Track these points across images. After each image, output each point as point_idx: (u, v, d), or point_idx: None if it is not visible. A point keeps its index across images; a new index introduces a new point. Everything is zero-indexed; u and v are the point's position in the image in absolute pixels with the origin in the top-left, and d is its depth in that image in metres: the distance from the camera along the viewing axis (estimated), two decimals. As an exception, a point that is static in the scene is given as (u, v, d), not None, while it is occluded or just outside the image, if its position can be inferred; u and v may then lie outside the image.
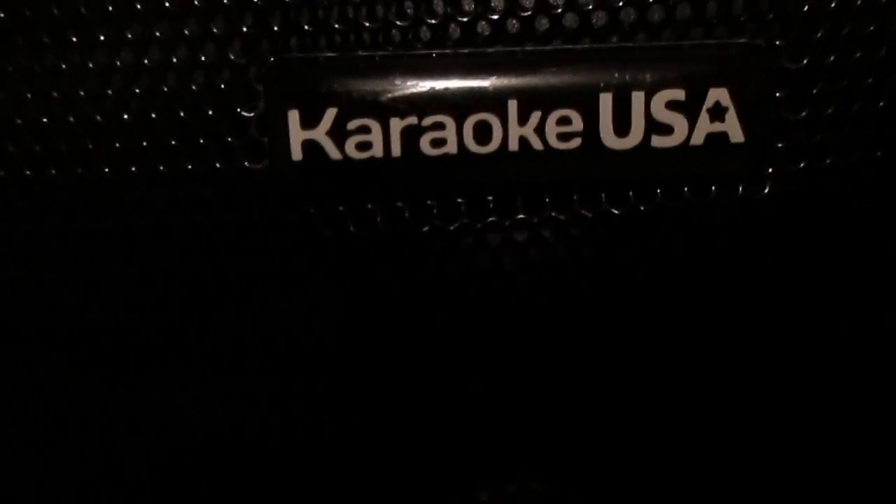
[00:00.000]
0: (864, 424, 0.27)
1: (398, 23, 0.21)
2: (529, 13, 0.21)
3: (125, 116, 0.21)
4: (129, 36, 0.21)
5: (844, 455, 0.28)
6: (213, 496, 0.26)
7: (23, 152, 0.21)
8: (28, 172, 0.22)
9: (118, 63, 0.21)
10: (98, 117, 0.21)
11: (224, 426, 0.25)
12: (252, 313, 0.23)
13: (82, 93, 0.21)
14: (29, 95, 0.21)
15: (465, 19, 0.21)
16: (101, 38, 0.21)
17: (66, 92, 0.21)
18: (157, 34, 0.21)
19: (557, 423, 0.26)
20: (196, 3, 0.21)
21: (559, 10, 0.21)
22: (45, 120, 0.21)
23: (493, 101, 0.21)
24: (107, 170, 0.21)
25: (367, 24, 0.21)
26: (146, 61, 0.21)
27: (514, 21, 0.21)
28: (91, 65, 0.21)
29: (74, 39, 0.21)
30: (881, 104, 0.22)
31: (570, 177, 0.22)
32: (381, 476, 0.26)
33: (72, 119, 0.21)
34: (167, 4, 0.21)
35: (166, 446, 0.25)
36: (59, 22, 0.21)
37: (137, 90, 0.21)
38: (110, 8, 0.21)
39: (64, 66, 0.21)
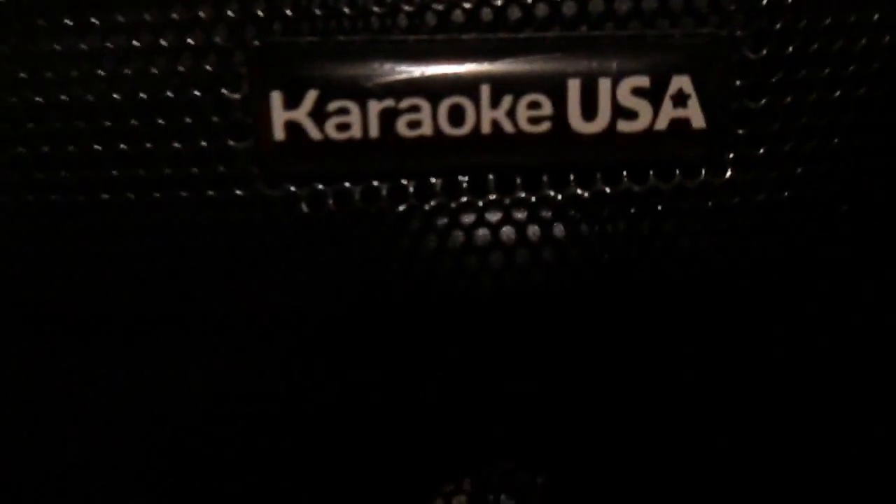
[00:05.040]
0: (843, 421, 0.28)
1: (376, 9, 0.22)
2: (502, 3, 0.22)
3: (116, 96, 0.22)
4: (121, 20, 0.22)
5: (829, 458, 0.29)
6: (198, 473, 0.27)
7: (16, 130, 0.23)
8: (21, 150, 0.23)
9: (110, 46, 0.22)
10: (90, 97, 0.22)
11: (204, 401, 0.26)
12: (236, 287, 0.24)
13: (75, 74, 0.22)
14: (24, 76, 0.22)
15: (440, 7, 0.22)
16: (95, 21, 0.22)
17: (60, 73, 0.22)
18: (148, 18, 0.22)
19: (533, 408, 0.27)
20: None
21: (531, 1, 0.22)
22: (38, 99, 0.22)
23: (467, 86, 0.22)
24: (97, 147, 0.22)
25: (347, 11, 0.22)
26: (136, 44, 0.22)
27: (488, 10, 0.22)
28: (84, 47, 0.22)
29: (69, 23, 0.22)
30: (837, 94, 0.23)
31: (540, 159, 0.23)
32: (364, 462, 0.27)
33: (64, 98, 0.22)
34: None
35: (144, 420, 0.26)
36: (55, 5, 0.22)
37: (128, 71, 0.22)
38: None
39: (58, 48, 0.22)
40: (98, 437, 0.27)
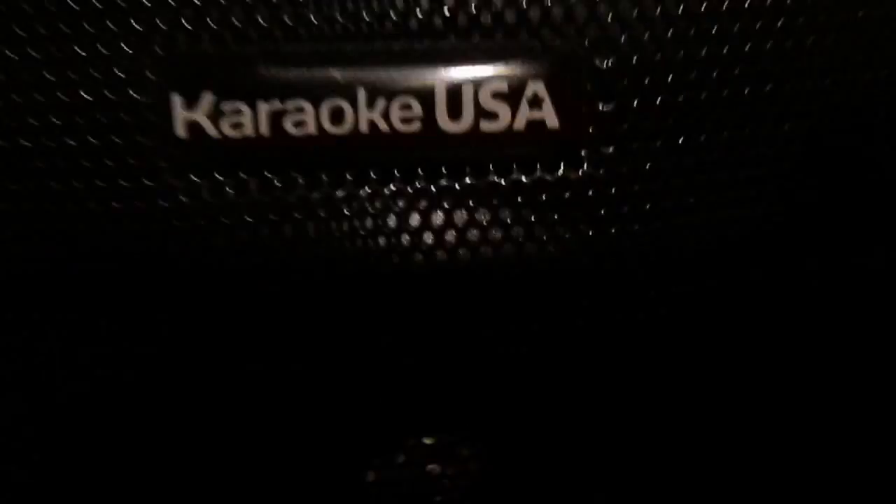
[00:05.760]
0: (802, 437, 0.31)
1: (262, 22, 0.25)
2: (377, 15, 0.25)
3: (38, 98, 0.25)
4: (42, 32, 0.25)
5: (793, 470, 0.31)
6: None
7: None
8: None
9: (33, 54, 0.25)
10: (15, 97, 0.25)
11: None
12: (147, 271, 0.27)
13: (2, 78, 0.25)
14: None
15: (320, 20, 0.25)
16: (21, 33, 0.25)
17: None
18: (66, 30, 0.25)
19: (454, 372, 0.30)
20: (97, 4, 0.25)
21: (403, 14, 0.25)
22: None
23: (345, 89, 0.25)
24: (23, 143, 0.26)
25: (238, 24, 0.25)
26: (56, 52, 0.25)
27: (364, 22, 0.25)
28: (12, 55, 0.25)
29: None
30: (680, 98, 0.26)
31: (413, 155, 0.26)
32: (298, 437, 0.30)
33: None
34: (73, 5, 0.25)
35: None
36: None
37: (49, 76, 0.25)
38: (26, 7, 0.25)
39: None
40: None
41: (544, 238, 0.27)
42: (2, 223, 0.26)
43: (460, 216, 0.26)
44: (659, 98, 0.26)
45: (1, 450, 0.30)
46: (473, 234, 0.27)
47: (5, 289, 0.27)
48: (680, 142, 0.26)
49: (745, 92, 0.26)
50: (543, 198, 0.26)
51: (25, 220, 0.26)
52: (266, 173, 0.26)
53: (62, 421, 0.29)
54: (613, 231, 0.27)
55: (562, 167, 0.26)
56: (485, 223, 0.27)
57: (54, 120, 0.25)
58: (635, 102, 0.26)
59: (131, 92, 0.25)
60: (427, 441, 0.31)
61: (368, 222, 0.27)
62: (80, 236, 0.26)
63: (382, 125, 0.25)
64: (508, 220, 0.26)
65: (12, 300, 0.27)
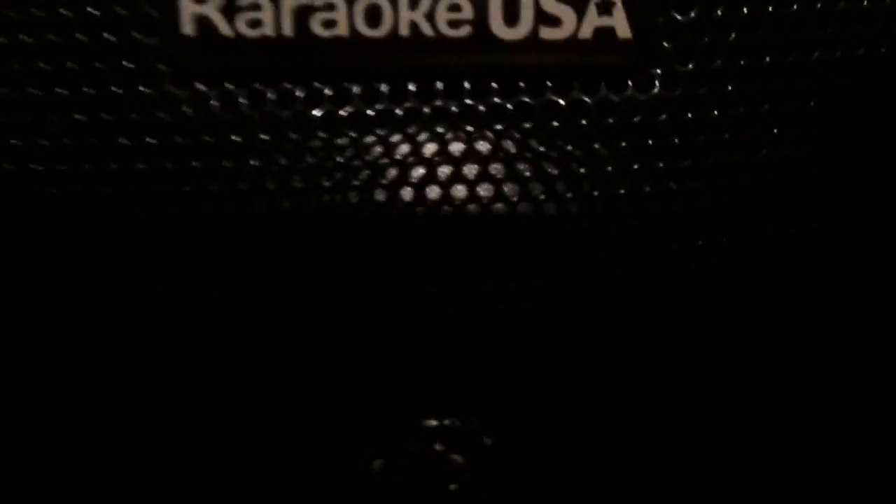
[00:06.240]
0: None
1: None
2: None
3: None
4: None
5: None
6: None
7: None
8: None
9: None
10: None
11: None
12: (140, 194, 0.23)
13: None
14: None
15: None
16: None
17: None
18: None
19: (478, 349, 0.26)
20: None
21: None
22: None
23: (384, -16, 0.21)
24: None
25: None
26: None
27: None
28: None
29: None
30: (769, 8, 0.23)
31: (460, 65, 0.22)
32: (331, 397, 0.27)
33: None
34: None
35: None
36: None
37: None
38: None
39: None
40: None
41: (609, 171, 0.23)
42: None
43: (510, 142, 0.23)
44: (746, 8, 0.22)
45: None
46: (525, 166, 0.23)
47: None
48: (767, 61, 0.23)
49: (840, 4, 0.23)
50: (610, 121, 0.23)
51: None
52: (286, 83, 0.22)
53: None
54: (687, 164, 0.23)
55: (630, 86, 0.23)
56: (540, 152, 0.23)
57: (35, 11, 0.21)
58: (719, 12, 0.22)
59: (128, -21, 0.21)
60: (439, 423, 0.28)
61: (404, 147, 0.23)
62: (64, 153, 0.22)
63: (426, 28, 0.21)
64: (568, 148, 0.23)
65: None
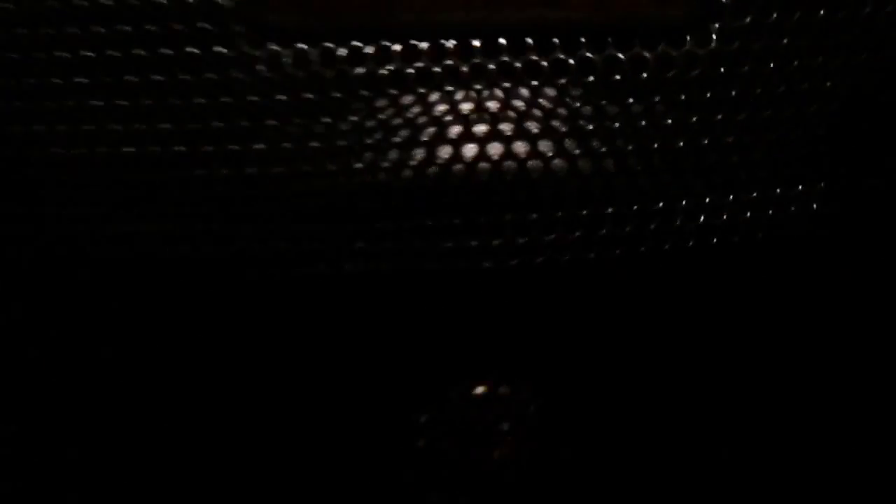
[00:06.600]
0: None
1: None
2: None
3: None
4: None
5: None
6: None
7: None
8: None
9: None
10: None
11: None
12: (215, 158, 0.24)
13: None
14: None
15: None
16: None
17: None
18: None
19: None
20: None
21: None
22: None
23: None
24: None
25: None
26: None
27: None
28: None
29: None
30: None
31: (523, 20, 0.23)
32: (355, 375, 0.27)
33: None
34: None
35: None
36: None
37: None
38: None
39: None
40: None
41: (668, 124, 0.24)
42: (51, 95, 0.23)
43: (575, 99, 0.23)
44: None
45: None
46: (585, 122, 0.24)
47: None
48: (820, 14, 0.23)
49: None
50: (669, 75, 0.23)
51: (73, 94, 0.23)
52: (356, 41, 0.23)
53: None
54: (743, 117, 0.24)
55: (689, 41, 0.23)
56: (602, 107, 0.23)
57: (114, -24, 0.22)
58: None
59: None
60: (481, 388, 0.28)
61: (468, 104, 0.23)
62: (141, 111, 0.23)
63: (493, -16, 0.22)
64: (629, 102, 0.23)
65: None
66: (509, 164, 0.24)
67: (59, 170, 0.23)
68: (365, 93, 0.23)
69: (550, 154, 0.24)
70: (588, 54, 0.23)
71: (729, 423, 0.28)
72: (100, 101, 0.23)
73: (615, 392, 0.28)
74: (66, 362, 0.27)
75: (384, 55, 0.23)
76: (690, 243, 0.24)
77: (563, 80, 0.23)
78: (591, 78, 0.23)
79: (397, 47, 0.23)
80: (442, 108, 0.23)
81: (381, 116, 0.23)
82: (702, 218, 0.24)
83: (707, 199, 0.24)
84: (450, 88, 0.23)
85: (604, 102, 0.23)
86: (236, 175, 0.23)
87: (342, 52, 0.22)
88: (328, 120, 0.23)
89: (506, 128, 0.23)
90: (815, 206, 0.25)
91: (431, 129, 0.23)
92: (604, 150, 0.23)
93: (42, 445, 0.28)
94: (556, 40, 0.23)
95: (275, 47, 0.22)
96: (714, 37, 0.23)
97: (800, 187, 0.25)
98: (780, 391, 0.28)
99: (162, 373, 0.27)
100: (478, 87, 0.23)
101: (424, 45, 0.23)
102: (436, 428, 0.29)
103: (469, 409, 0.29)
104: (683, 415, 0.28)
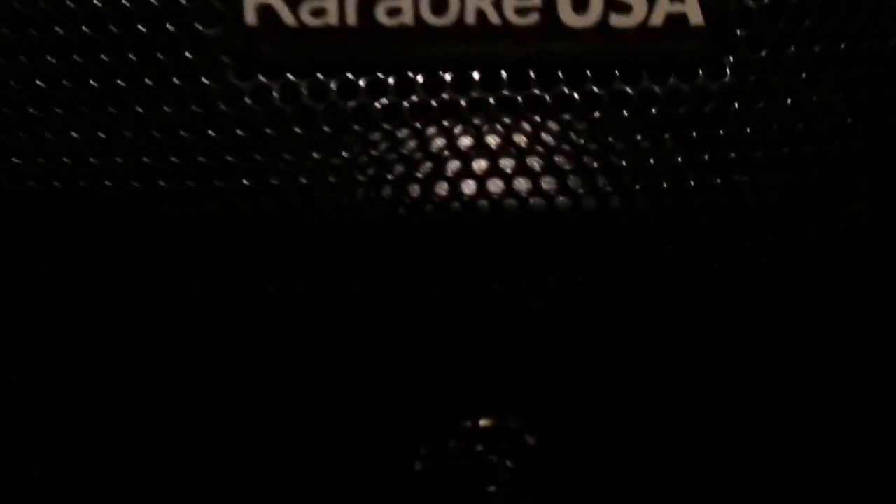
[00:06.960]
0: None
1: None
2: None
3: None
4: None
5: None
6: None
7: None
8: None
9: None
10: None
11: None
12: (200, 189, 0.23)
13: None
14: None
15: None
16: None
17: None
18: None
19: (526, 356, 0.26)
20: None
21: None
22: None
23: (451, -29, 0.21)
24: (60, 31, 0.21)
25: None
26: None
27: None
28: None
29: None
30: (846, -5, 0.22)
31: (527, 54, 0.21)
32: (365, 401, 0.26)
33: None
34: None
35: None
36: None
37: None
38: None
39: None
40: None
41: (679, 162, 0.22)
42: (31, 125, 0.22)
43: (577, 133, 0.22)
44: (821, -6, 0.22)
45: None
46: (591, 158, 0.22)
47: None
48: (842, 48, 0.22)
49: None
50: (680, 111, 0.22)
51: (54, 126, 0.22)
52: (349, 74, 0.22)
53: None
54: (759, 155, 0.23)
55: (701, 75, 0.22)
56: (608, 143, 0.22)
57: (97, 3, 0.21)
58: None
59: (190, -31, 0.21)
60: (480, 423, 0.27)
61: (467, 138, 0.22)
62: (122, 144, 0.22)
63: (493, 16, 0.21)
64: (638, 137, 0.22)
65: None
66: (508, 201, 0.22)
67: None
68: (358, 128, 0.22)
69: (552, 191, 0.22)
70: (594, 89, 0.22)
71: (740, 473, 0.27)
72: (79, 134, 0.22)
73: (620, 438, 0.27)
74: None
75: (380, 88, 0.22)
76: (700, 288, 0.23)
77: (566, 116, 0.22)
78: (597, 114, 0.22)
79: (392, 81, 0.22)
80: (439, 143, 0.22)
81: (375, 152, 0.22)
82: (714, 263, 0.23)
83: (719, 242, 0.23)
84: (446, 123, 0.22)
85: (610, 139, 0.22)
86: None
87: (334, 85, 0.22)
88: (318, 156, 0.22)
89: (504, 164, 0.22)
90: (836, 248, 0.24)
91: (428, 165, 0.22)
92: (609, 189, 0.22)
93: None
94: (561, 74, 0.22)
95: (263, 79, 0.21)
96: (728, 71, 0.22)
97: (820, 228, 0.24)
98: (787, 443, 0.27)
99: (157, 410, 0.26)
100: (476, 121, 0.22)
101: (421, 78, 0.22)
102: (431, 466, 0.28)
103: (463, 444, 0.28)
104: (690, 464, 0.27)
